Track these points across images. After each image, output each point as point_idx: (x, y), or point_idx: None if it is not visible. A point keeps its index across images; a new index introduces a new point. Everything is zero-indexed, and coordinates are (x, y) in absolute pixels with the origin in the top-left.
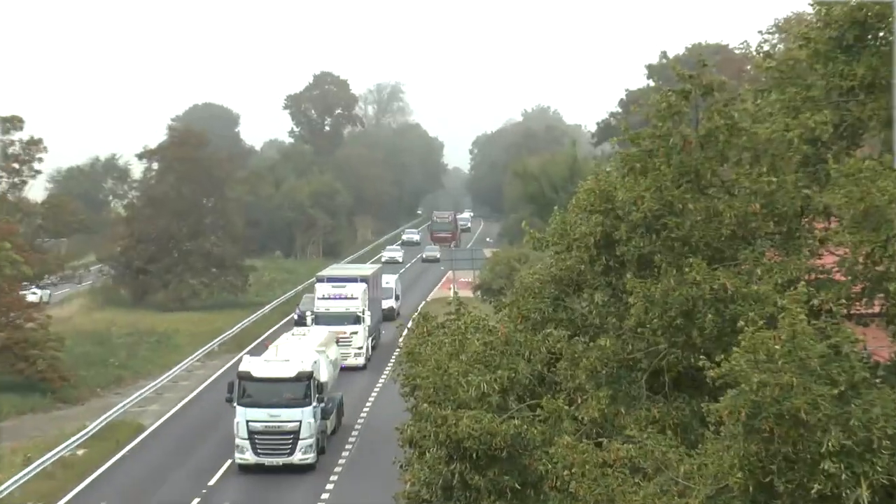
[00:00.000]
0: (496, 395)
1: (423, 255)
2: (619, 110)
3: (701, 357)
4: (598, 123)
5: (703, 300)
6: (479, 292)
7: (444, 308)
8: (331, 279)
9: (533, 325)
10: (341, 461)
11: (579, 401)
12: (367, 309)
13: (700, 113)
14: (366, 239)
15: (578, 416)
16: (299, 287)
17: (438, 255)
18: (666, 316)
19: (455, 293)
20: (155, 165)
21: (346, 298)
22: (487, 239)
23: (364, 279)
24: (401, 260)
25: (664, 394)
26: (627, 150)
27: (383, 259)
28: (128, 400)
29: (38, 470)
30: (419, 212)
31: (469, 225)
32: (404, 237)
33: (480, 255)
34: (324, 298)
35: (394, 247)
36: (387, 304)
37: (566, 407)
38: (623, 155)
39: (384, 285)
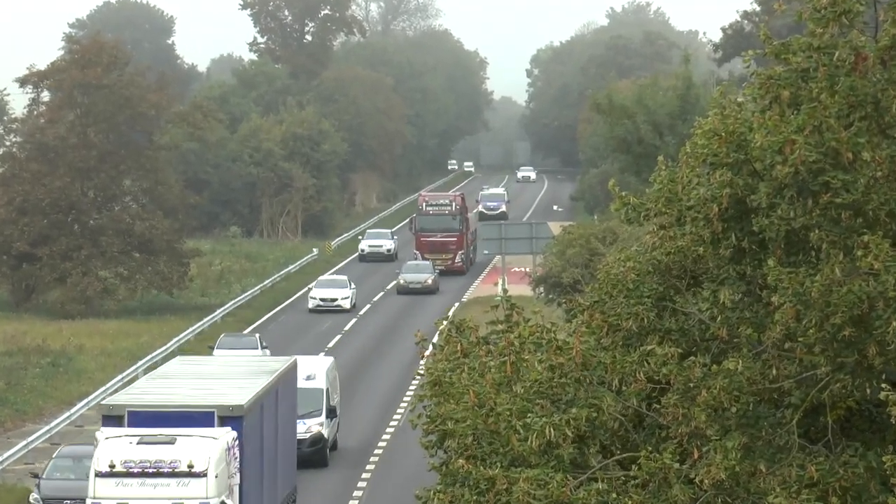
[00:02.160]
0: (569, 445)
1: (401, 279)
2: (757, 10)
3: (883, 386)
4: (723, 30)
5: (884, 300)
6: (541, 288)
7: (487, 313)
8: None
9: (625, 338)
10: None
11: (696, 454)
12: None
13: (881, 13)
14: (368, 206)
15: (695, 477)
16: (266, 282)
17: (428, 279)
18: (828, 324)
19: (503, 290)
20: (45, 97)
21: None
22: (555, 207)
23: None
24: (392, 249)
25: (826, 442)
26: (769, 71)
27: (362, 250)
28: (8, 453)
29: None
30: (453, 165)
31: (505, 205)
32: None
33: (544, 233)
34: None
35: (380, 231)
36: (302, 427)
37: (676, 464)
38: (763, 78)
39: (306, 383)
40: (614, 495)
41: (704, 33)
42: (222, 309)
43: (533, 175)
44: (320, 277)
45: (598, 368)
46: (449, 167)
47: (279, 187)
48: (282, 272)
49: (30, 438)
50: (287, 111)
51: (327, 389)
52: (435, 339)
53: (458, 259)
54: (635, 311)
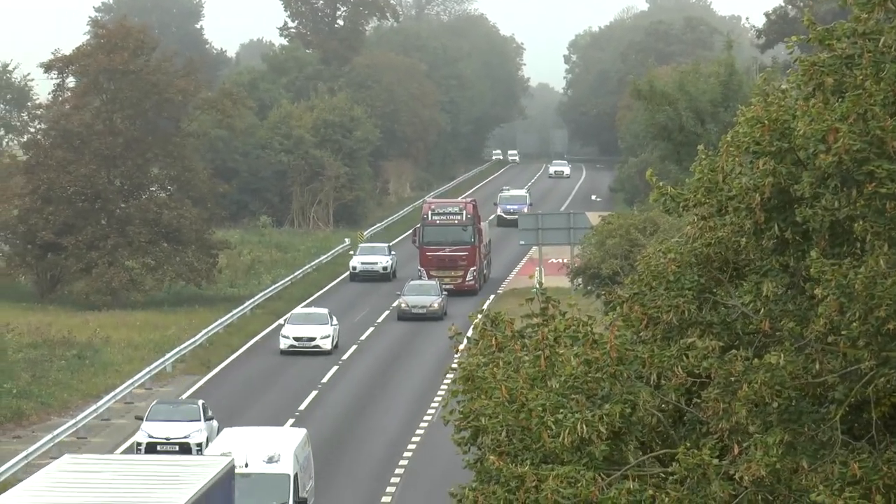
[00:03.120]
0: (602, 442)
1: (401, 302)
2: None
3: None
4: (766, 15)
5: None
6: (579, 280)
7: (522, 306)
8: None
9: (665, 331)
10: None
11: (737, 450)
12: None
13: None
14: (401, 196)
15: (735, 474)
16: (297, 273)
17: (434, 303)
18: (872, 317)
19: (539, 283)
20: (70, 82)
21: None
22: (593, 196)
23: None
24: (388, 266)
25: (870, 439)
26: (813, 57)
27: (353, 267)
28: (33, 447)
29: None
30: (497, 154)
31: (527, 209)
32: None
33: (581, 223)
34: None
35: (375, 246)
36: None
37: (715, 461)
38: (807, 65)
39: (267, 467)
40: (651, 492)
41: (747, 19)
42: (252, 300)
43: (567, 170)
44: (294, 311)
45: (635, 363)
46: (493, 156)
47: (310, 175)
48: (313, 262)
49: (55, 432)
50: (318, 97)
51: (295, 475)
52: (469, 333)
53: (469, 277)
54: (676, 304)
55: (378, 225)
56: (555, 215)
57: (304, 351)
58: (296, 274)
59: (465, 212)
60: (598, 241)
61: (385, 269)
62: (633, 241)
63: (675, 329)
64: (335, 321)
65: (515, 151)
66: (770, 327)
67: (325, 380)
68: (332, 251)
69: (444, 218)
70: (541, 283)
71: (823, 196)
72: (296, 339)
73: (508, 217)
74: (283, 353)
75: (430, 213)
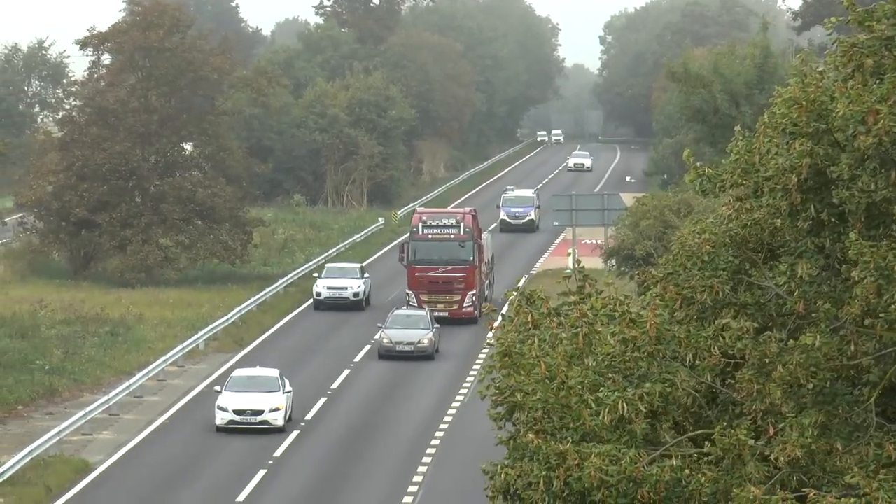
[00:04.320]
0: (642, 421)
1: (383, 337)
2: None
3: None
4: None
5: None
6: (613, 261)
7: (558, 285)
8: None
9: (700, 312)
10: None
11: (772, 431)
12: None
13: None
14: (435, 175)
15: (770, 454)
16: (331, 252)
17: (423, 338)
18: None
19: (575, 262)
20: (106, 59)
21: None
22: (627, 178)
23: None
24: (361, 293)
25: None
26: (852, 38)
27: (318, 293)
28: (65, 424)
29: None
30: (542, 135)
31: (535, 211)
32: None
33: (616, 204)
34: None
35: (344, 266)
36: None
37: (750, 441)
38: (846, 46)
39: None
40: (687, 472)
41: (783, 1)
42: (285, 279)
43: (588, 162)
44: (235, 373)
45: (672, 343)
46: (538, 137)
47: (344, 154)
48: (347, 241)
49: (88, 409)
50: (353, 76)
51: None
52: (504, 311)
53: (467, 302)
54: (710, 285)
55: (412, 204)
56: (589, 196)
57: (248, 428)
58: (329, 252)
59: (462, 224)
60: (632, 223)
61: (356, 295)
62: (667, 223)
63: (710, 309)
64: (287, 386)
65: (559, 131)
66: (805, 309)
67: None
68: (366, 230)
69: (438, 232)
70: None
71: (861, 178)
72: (237, 412)
73: (513, 222)
74: (220, 430)
75: (420, 225)
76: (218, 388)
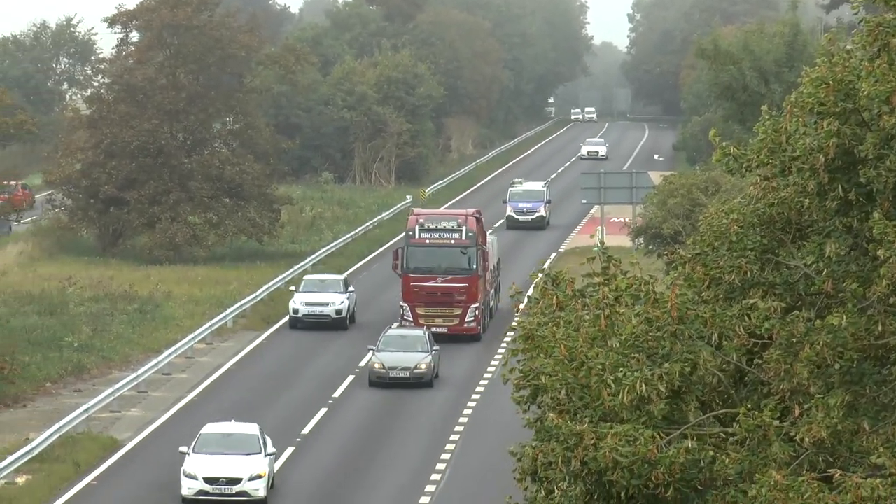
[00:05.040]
0: (661, 401)
1: (374, 362)
2: None
3: None
4: None
5: None
6: (640, 239)
7: (584, 265)
8: None
9: (726, 291)
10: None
11: (798, 412)
12: None
13: None
14: (463, 153)
15: (795, 435)
16: (358, 229)
17: (421, 363)
18: None
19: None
20: (134, 37)
21: None
22: (655, 156)
23: None
24: (345, 309)
25: None
26: (878, 18)
27: (295, 311)
28: (93, 401)
29: None
30: (549, 109)
31: (545, 207)
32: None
33: (644, 182)
34: None
35: (326, 279)
36: None
37: (776, 422)
38: (872, 25)
39: None
40: (711, 452)
41: None
42: (313, 256)
43: (603, 150)
44: (204, 429)
45: (696, 322)
46: (572, 115)
47: (372, 132)
48: (375, 219)
49: (116, 386)
50: (381, 54)
51: None
52: (530, 292)
53: (469, 316)
54: (738, 264)
55: (440, 182)
56: (617, 174)
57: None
58: (357, 230)
59: (464, 228)
60: (660, 201)
61: (339, 312)
62: (695, 201)
63: (737, 289)
64: (270, 447)
65: (592, 109)
66: (832, 288)
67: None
68: (394, 208)
69: (437, 236)
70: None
71: (888, 157)
72: (208, 480)
73: (521, 218)
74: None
75: (417, 228)
76: (184, 448)
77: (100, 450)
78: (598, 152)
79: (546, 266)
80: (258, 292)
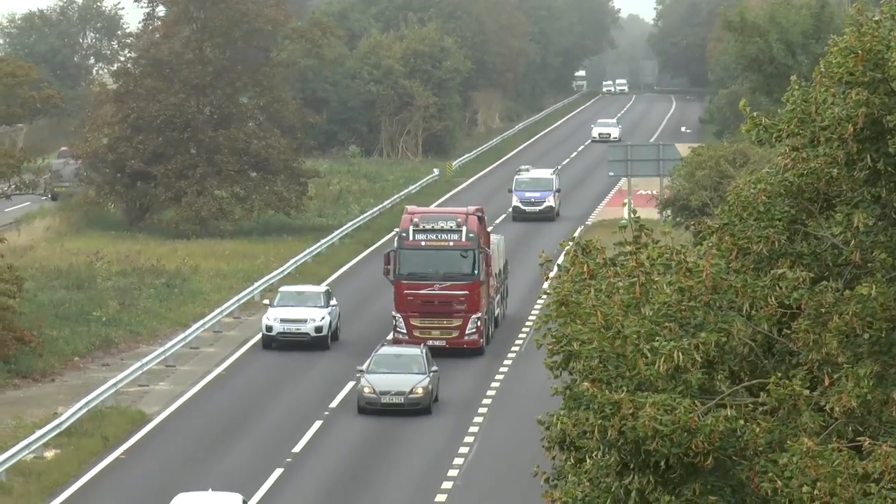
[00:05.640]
0: (697, 370)
1: (363, 386)
2: None
3: None
4: None
5: None
6: (668, 211)
7: (614, 235)
8: None
9: (756, 262)
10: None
11: (827, 381)
12: None
13: None
14: (490, 126)
15: (825, 405)
16: (385, 203)
17: (417, 386)
18: None
19: (631, 213)
20: (160, 11)
21: None
22: (683, 128)
23: None
24: (326, 326)
25: None
26: None
27: (268, 328)
28: (121, 375)
29: None
30: (581, 83)
31: (554, 197)
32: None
33: (672, 154)
34: None
35: (303, 291)
36: None
37: (806, 391)
38: None
39: None
40: (742, 422)
41: None
42: (340, 230)
43: (616, 132)
44: (177, 500)
45: (728, 293)
46: (604, 87)
47: (399, 106)
48: (402, 193)
49: (144, 360)
50: (408, 27)
51: None
52: (560, 261)
53: (470, 328)
54: (766, 235)
55: (467, 155)
56: (644, 147)
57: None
58: (384, 204)
59: (464, 228)
60: (688, 173)
61: (319, 330)
62: (723, 173)
63: (766, 259)
64: None
65: (623, 81)
66: (861, 258)
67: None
68: (421, 181)
69: (433, 237)
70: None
71: None
72: None
73: (528, 209)
74: None
75: (411, 229)
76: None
77: (128, 424)
78: (609, 134)
79: (576, 235)
80: (285, 266)
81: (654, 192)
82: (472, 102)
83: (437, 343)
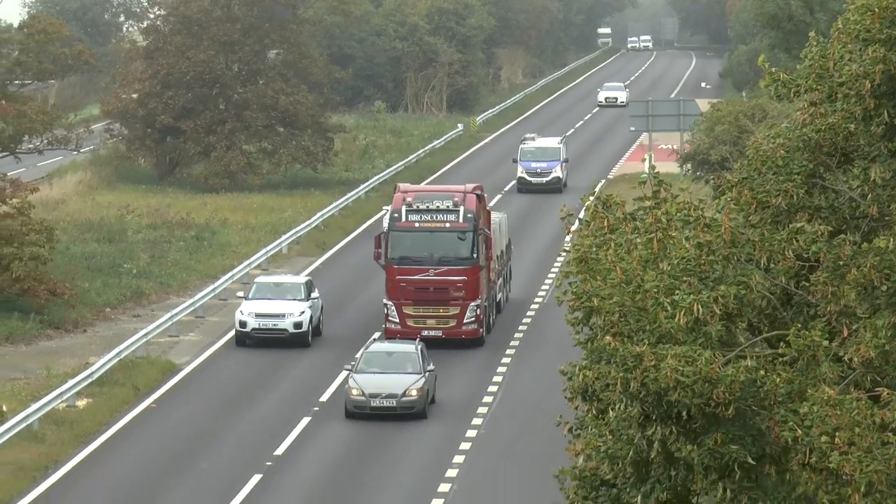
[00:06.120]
0: (717, 322)
1: (351, 388)
2: None
3: None
4: None
5: None
6: (688, 166)
7: (634, 190)
8: None
9: (774, 215)
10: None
11: (846, 332)
12: None
13: None
14: (514, 82)
15: (844, 355)
16: (410, 158)
17: (412, 387)
18: None
19: (651, 167)
20: None
21: None
22: (703, 84)
23: None
24: (305, 322)
25: None
26: None
27: (241, 323)
28: (151, 326)
29: (19, 429)
30: (606, 41)
31: (561, 167)
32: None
33: (692, 110)
34: None
35: (280, 282)
36: None
37: (825, 342)
38: None
39: None
40: (762, 373)
41: None
42: (366, 184)
43: (622, 96)
44: None
45: (747, 246)
46: (629, 43)
47: (424, 62)
48: (426, 147)
49: (174, 311)
50: None
51: None
52: (581, 215)
53: (469, 316)
54: (784, 188)
55: (490, 111)
56: (665, 102)
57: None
58: (409, 159)
59: (462, 208)
60: (708, 128)
61: (298, 326)
62: (742, 128)
63: (784, 213)
64: None
65: (648, 37)
66: (878, 212)
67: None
68: (445, 136)
69: (428, 218)
70: (653, 167)
71: None
72: None
73: (534, 180)
74: None
75: (403, 209)
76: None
77: (158, 373)
78: (616, 98)
79: (597, 190)
80: (312, 219)
81: (675, 146)
82: (496, 59)
83: (432, 333)
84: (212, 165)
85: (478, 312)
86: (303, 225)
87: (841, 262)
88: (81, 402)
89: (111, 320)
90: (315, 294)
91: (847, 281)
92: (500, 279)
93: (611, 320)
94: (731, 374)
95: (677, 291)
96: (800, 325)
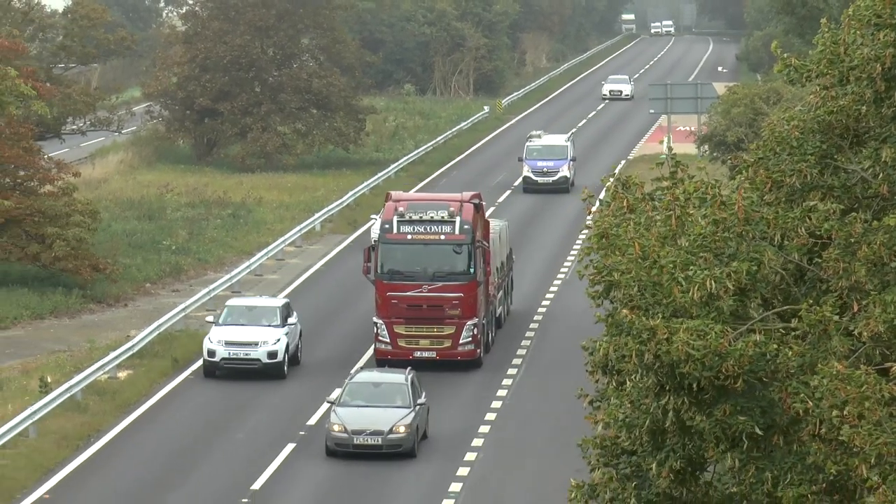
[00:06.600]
0: (730, 297)
1: (333, 424)
2: None
3: None
4: None
5: None
6: (705, 147)
7: (652, 171)
8: None
9: (788, 194)
10: (499, 399)
11: (856, 307)
12: None
13: None
14: (538, 66)
15: (854, 330)
16: (438, 139)
17: (399, 424)
18: None
19: (669, 148)
20: None
21: None
22: (719, 68)
23: None
24: (281, 350)
25: None
26: None
27: (210, 352)
28: (190, 300)
29: (63, 399)
30: (630, 27)
31: (569, 166)
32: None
33: (709, 93)
34: None
35: (253, 305)
36: None
37: (836, 317)
38: None
39: None
40: (774, 346)
41: None
42: (396, 164)
43: (627, 89)
44: None
45: (761, 223)
46: (652, 29)
47: (451, 47)
48: (454, 129)
49: (211, 286)
50: None
51: None
52: (602, 195)
53: (465, 336)
54: (798, 168)
55: (515, 94)
56: (683, 85)
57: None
58: (437, 139)
59: (458, 219)
60: (724, 110)
61: (273, 356)
62: (758, 111)
63: (798, 192)
64: None
65: (670, 23)
66: (888, 191)
67: None
68: (472, 118)
69: (422, 230)
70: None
71: None
72: None
73: (540, 180)
74: None
75: (395, 219)
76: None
77: (196, 346)
78: (621, 91)
79: (616, 171)
80: (344, 198)
81: (693, 128)
82: (521, 44)
83: (426, 355)
84: (248, 146)
85: (475, 332)
86: (335, 203)
87: (852, 240)
88: (123, 374)
89: (151, 295)
90: (293, 319)
91: (858, 258)
92: (500, 292)
93: (629, 294)
94: (740, 349)
95: (692, 267)
96: (811, 301)
